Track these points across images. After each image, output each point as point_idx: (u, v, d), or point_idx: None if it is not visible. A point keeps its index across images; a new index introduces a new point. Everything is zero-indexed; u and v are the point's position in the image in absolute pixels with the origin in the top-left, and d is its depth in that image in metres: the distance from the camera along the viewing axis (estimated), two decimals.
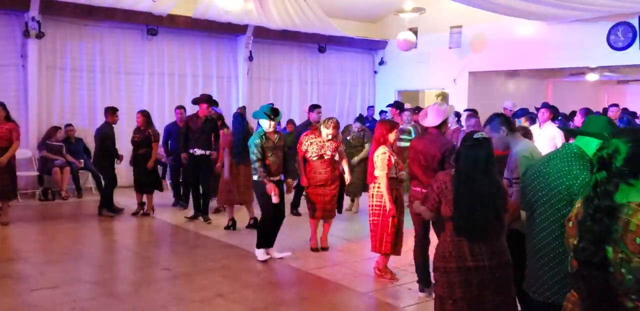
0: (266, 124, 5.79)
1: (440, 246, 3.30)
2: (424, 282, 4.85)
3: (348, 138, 8.48)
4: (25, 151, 9.16)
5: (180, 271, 5.55)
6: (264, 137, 5.77)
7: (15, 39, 9.44)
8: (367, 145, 8.26)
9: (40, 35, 9.36)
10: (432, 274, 3.42)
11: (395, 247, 5.27)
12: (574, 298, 2.04)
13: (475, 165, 3.14)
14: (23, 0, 9.04)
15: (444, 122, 4.90)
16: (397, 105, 9.41)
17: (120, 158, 8.20)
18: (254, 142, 5.73)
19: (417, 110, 9.93)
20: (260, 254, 5.87)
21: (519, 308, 3.35)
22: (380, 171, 5.10)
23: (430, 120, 4.88)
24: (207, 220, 7.69)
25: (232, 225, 7.33)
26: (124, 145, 8.82)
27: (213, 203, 8.30)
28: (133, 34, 10.63)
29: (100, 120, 9.93)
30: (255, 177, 5.79)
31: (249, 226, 7.39)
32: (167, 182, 9.98)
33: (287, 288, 5.18)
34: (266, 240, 5.91)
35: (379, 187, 5.18)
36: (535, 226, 2.71)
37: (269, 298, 4.93)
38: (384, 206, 5.16)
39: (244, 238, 6.92)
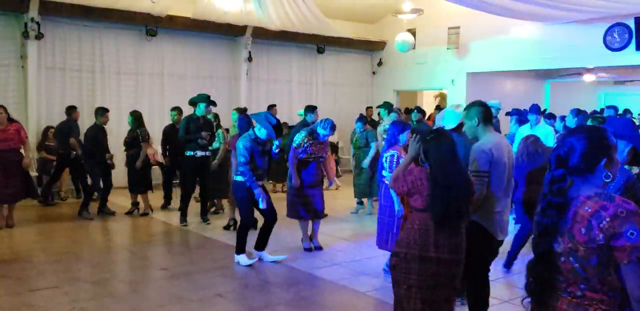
0: (264, 134, 5.62)
1: (405, 233, 3.40)
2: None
3: (354, 139, 8.57)
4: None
5: (179, 271, 5.57)
6: (255, 141, 5.65)
7: (15, 39, 9.46)
8: (373, 144, 8.30)
9: (39, 36, 9.38)
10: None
11: None
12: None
13: (444, 155, 3.29)
14: (22, 1, 9.07)
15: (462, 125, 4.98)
16: (386, 106, 9.50)
17: (110, 158, 8.06)
18: (244, 145, 5.58)
19: (406, 111, 9.88)
20: (244, 259, 5.77)
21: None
22: (386, 172, 5.11)
23: (448, 123, 4.92)
24: (207, 221, 7.71)
25: (233, 225, 7.38)
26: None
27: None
28: (132, 34, 10.66)
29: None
30: (238, 178, 5.69)
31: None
32: None
33: (285, 288, 5.20)
34: (242, 244, 5.83)
35: (387, 187, 5.15)
36: None
37: (267, 298, 4.96)
38: (390, 206, 5.17)
39: None
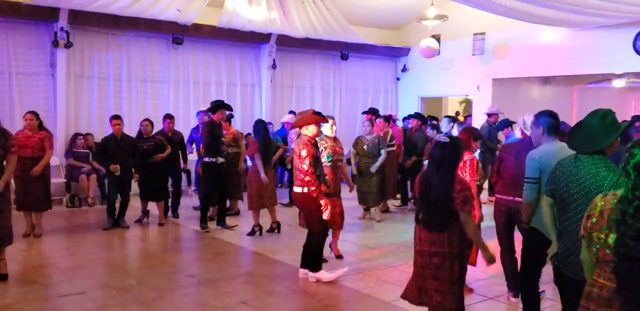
0: (314, 130, 5.27)
1: None
2: (516, 288, 4.84)
3: (364, 147, 8.25)
4: (54, 158, 9.27)
5: (205, 277, 5.60)
6: (314, 145, 5.27)
7: (45, 48, 9.66)
8: (382, 151, 8.21)
9: (68, 45, 9.56)
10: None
11: (476, 257, 5.14)
12: (598, 283, 2.30)
13: (432, 163, 3.80)
14: (52, 11, 9.25)
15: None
16: (373, 112, 9.38)
17: (115, 170, 7.55)
18: (308, 150, 5.14)
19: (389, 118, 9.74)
20: (325, 274, 5.40)
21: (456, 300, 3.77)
22: (468, 177, 4.97)
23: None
24: (227, 227, 7.75)
25: (259, 231, 7.42)
26: None
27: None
28: (158, 43, 10.80)
29: (127, 127, 10.11)
30: (300, 189, 5.26)
31: (270, 230, 7.51)
32: (192, 189, 10.17)
33: (310, 296, 5.18)
34: (320, 260, 5.47)
35: None
36: (567, 217, 3.07)
37: (292, 306, 4.95)
38: None
39: (268, 244, 6.97)
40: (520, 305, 4.50)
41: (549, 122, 3.98)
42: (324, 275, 5.42)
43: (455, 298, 3.73)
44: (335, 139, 6.36)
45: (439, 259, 3.72)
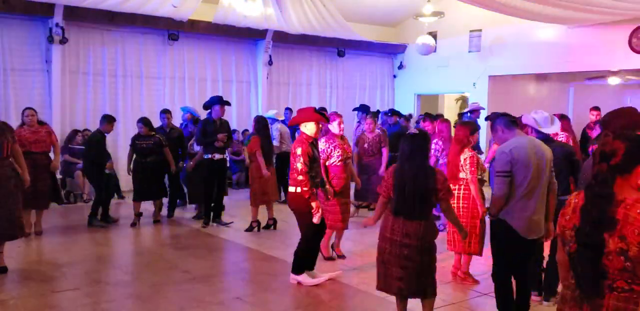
0: (313, 129, 5.11)
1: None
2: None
3: (365, 145, 8.14)
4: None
5: (200, 273, 5.60)
6: (312, 144, 5.10)
7: (40, 44, 9.62)
8: (384, 150, 8.08)
9: (63, 41, 9.52)
10: None
11: (481, 248, 5.27)
12: (571, 284, 2.30)
13: (402, 155, 3.93)
14: (47, 6, 9.21)
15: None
16: (363, 109, 9.31)
17: (110, 168, 7.61)
18: (304, 150, 4.96)
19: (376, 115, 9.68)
20: (307, 279, 5.26)
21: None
22: (470, 174, 5.08)
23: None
24: (222, 224, 7.76)
25: (257, 226, 7.44)
26: None
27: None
28: (154, 39, 10.77)
29: (122, 123, 10.09)
30: (294, 189, 5.08)
31: (266, 226, 7.52)
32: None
33: (305, 292, 5.18)
34: (307, 263, 5.30)
35: (464, 189, 5.15)
36: None
37: (287, 301, 4.96)
38: (472, 208, 5.12)
39: (264, 241, 6.97)
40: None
41: (502, 120, 4.03)
42: (306, 279, 5.26)
43: (422, 286, 3.92)
44: (342, 137, 6.20)
45: (410, 251, 3.84)
